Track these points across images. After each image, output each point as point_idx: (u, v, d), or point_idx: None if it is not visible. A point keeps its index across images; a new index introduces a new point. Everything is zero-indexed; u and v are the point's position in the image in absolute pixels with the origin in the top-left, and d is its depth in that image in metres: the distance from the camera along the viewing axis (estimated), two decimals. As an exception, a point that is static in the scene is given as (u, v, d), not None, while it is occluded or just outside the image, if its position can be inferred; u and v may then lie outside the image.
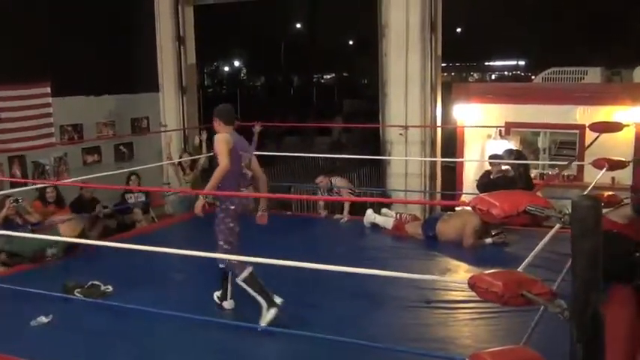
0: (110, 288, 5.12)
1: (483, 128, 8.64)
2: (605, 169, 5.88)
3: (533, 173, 8.14)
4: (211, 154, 8.32)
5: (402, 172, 8.94)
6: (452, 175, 9.20)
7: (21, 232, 6.64)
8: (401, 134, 8.84)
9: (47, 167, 8.66)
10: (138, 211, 8.17)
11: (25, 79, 8.09)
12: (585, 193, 3.62)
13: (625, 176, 7.74)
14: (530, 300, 2.65)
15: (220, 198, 4.71)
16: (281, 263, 3.61)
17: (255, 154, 8.56)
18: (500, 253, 6.16)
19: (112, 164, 9.30)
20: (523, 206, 2.72)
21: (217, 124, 4.82)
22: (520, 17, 20.05)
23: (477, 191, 6.90)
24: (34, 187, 7.70)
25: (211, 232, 6.51)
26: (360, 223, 7.26)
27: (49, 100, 8.42)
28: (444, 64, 11.05)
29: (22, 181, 7.91)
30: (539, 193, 5.28)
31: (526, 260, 3.35)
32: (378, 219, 7.15)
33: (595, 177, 5.85)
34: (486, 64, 32.57)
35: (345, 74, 31.97)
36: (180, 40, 10.42)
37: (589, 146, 6.90)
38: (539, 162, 8.50)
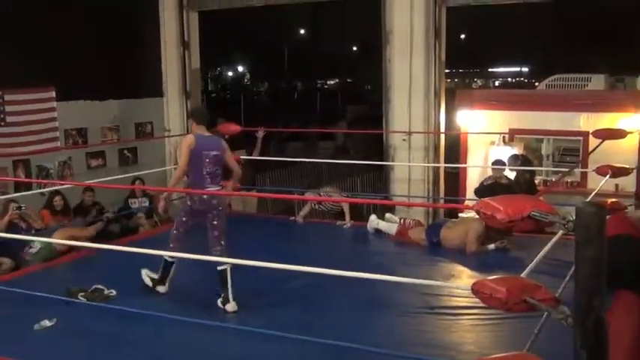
0: (114, 292, 5.13)
1: (487, 135, 8.65)
2: (608, 175, 5.89)
3: (537, 179, 8.15)
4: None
5: (405, 177, 8.94)
6: (455, 182, 9.21)
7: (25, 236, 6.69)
8: (404, 140, 8.85)
9: (51, 171, 8.69)
10: (141, 215, 8.19)
11: (30, 83, 8.13)
12: (589, 199, 3.63)
13: (629, 183, 7.75)
14: (533, 306, 2.65)
15: (184, 193, 5.22)
16: (285, 267, 3.62)
17: (257, 158, 8.73)
18: (503, 259, 6.15)
19: (116, 168, 9.32)
20: (527, 211, 2.73)
21: (191, 124, 5.30)
22: (524, 24, 20.08)
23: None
24: (38, 191, 7.72)
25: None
26: (363, 229, 7.26)
27: (54, 104, 8.46)
28: (447, 71, 11.08)
29: (27, 180, 7.95)
30: (542, 199, 5.28)
31: (529, 266, 3.36)
32: (382, 225, 7.15)
33: (599, 184, 5.87)
34: (490, 70, 32.60)
35: (348, 80, 32.01)
36: (184, 45, 10.46)
37: (591, 152, 6.91)
38: (543, 168, 8.51)
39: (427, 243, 6.63)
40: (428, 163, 8.83)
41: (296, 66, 28.02)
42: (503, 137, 8.58)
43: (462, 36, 24.13)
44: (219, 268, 4.82)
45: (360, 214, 8.86)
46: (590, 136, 6.96)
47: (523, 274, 3.14)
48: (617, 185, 7.81)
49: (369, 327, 4.48)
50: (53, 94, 8.39)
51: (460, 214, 7.56)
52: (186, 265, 5.54)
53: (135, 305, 4.59)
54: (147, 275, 5.23)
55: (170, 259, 5.08)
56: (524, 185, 7.44)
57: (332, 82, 33.06)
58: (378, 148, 9.95)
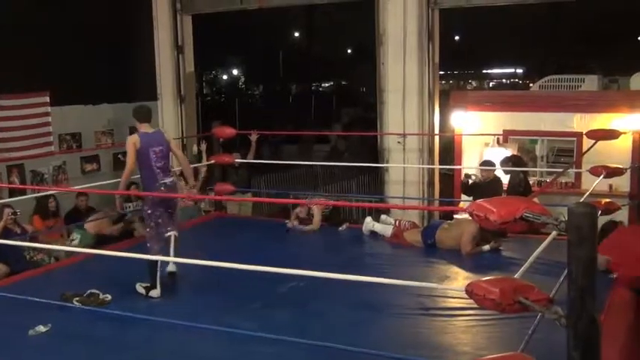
0: (109, 296, 5.12)
1: (481, 136, 8.67)
2: (602, 176, 5.92)
3: (531, 180, 8.18)
4: (212, 162, 8.43)
5: (400, 179, 8.96)
6: (450, 183, 9.22)
7: (19, 240, 6.68)
8: (399, 142, 8.87)
9: (46, 176, 8.66)
10: (135, 218, 8.17)
11: (24, 88, 8.12)
12: (582, 199, 3.65)
13: (622, 183, 7.78)
14: (526, 307, 2.67)
15: (143, 189, 5.61)
16: (280, 271, 3.63)
17: (252, 162, 8.76)
18: (498, 260, 6.17)
19: (110, 173, 9.30)
20: (520, 213, 2.75)
21: (136, 122, 5.50)
22: (518, 25, 20.14)
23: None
24: (33, 195, 7.71)
25: (209, 241, 6.55)
26: (359, 231, 7.27)
27: (48, 109, 8.45)
28: (442, 72, 11.10)
29: (21, 187, 7.93)
30: (536, 200, 5.31)
31: (523, 267, 3.37)
32: (377, 227, 7.15)
33: (593, 184, 5.89)
34: (484, 71, 32.66)
35: (343, 82, 32.01)
36: (178, 48, 10.46)
37: (585, 153, 6.93)
38: (537, 169, 8.53)
39: (422, 244, 6.64)
40: (422, 164, 8.85)
41: (291, 69, 27.99)
42: (498, 138, 8.60)
43: (457, 38, 24.18)
44: (167, 233, 5.31)
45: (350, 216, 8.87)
46: (584, 136, 6.99)
47: (517, 275, 3.16)
48: (610, 185, 7.83)
49: (364, 329, 4.48)
50: (47, 98, 8.38)
51: (455, 216, 7.57)
52: (180, 269, 5.54)
53: (130, 310, 4.59)
54: (140, 286, 5.28)
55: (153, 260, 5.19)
56: (519, 186, 7.46)
57: (327, 85, 33.03)
58: (372, 150, 9.97)
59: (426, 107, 8.84)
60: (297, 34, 28.35)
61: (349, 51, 29.70)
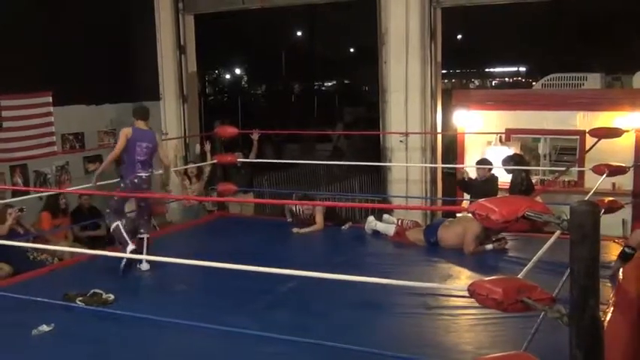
0: (112, 296, 5.12)
1: (484, 135, 8.66)
2: (605, 174, 5.90)
3: (534, 179, 8.16)
4: (215, 161, 8.45)
5: (402, 178, 8.96)
6: (452, 182, 9.21)
7: (23, 241, 6.70)
8: (401, 141, 8.87)
9: (49, 176, 8.67)
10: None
11: (27, 88, 8.13)
12: (586, 198, 3.64)
13: (625, 182, 7.76)
14: (529, 306, 2.66)
15: (120, 178, 6.14)
16: (283, 272, 3.63)
17: (254, 161, 8.77)
18: (501, 260, 6.16)
19: (113, 173, 9.29)
20: (522, 212, 2.74)
21: (133, 119, 6.03)
22: (520, 24, 20.09)
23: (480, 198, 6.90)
24: (36, 195, 7.72)
25: (212, 240, 6.56)
26: (361, 231, 7.26)
27: (51, 109, 8.46)
28: (444, 71, 11.10)
29: (25, 189, 7.93)
30: (539, 199, 5.30)
31: (527, 266, 3.37)
32: (379, 226, 7.15)
33: (596, 182, 5.87)
34: (487, 70, 32.59)
35: (345, 81, 31.99)
36: (180, 48, 10.46)
37: (588, 151, 6.92)
38: (539, 168, 8.52)
39: (425, 243, 6.63)
40: (425, 163, 8.84)
41: (293, 68, 27.97)
42: (500, 137, 8.59)
43: (459, 36, 24.14)
44: (140, 236, 5.89)
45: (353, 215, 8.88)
46: (587, 135, 6.97)
47: (520, 275, 3.15)
48: (614, 184, 7.81)
49: (366, 328, 4.48)
50: (50, 98, 8.39)
51: (457, 214, 7.56)
52: (184, 270, 5.56)
53: (133, 309, 4.59)
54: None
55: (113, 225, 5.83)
56: (521, 185, 7.45)
57: (329, 84, 33.03)
58: (375, 149, 9.96)
59: (428, 106, 8.83)
60: (299, 34, 28.31)
61: (352, 50, 29.66)
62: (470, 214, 3.05)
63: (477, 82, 32.35)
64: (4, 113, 7.97)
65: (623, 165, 6.16)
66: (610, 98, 8.35)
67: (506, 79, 31.86)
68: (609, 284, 4.94)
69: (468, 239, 6.28)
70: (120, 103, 9.62)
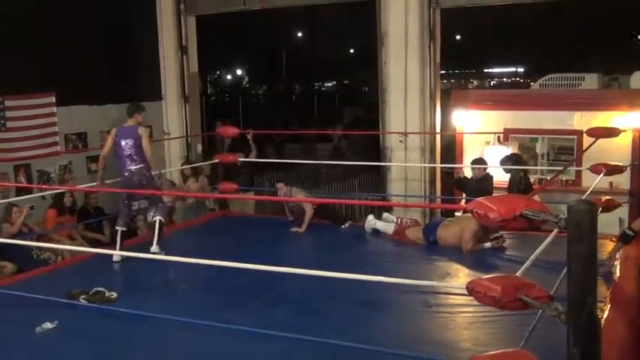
0: (114, 294, 5.12)
1: (482, 135, 8.65)
2: (602, 174, 5.90)
3: (532, 178, 8.16)
4: (216, 161, 8.46)
5: (402, 177, 8.96)
6: (451, 181, 9.20)
7: (27, 239, 6.70)
8: (401, 141, 8.87)
9: (52, 175, 8.68)
10: (140, 217, 8.19)
11: (31, 89, 8.13)
12: (584, 197, 3.64)
13: (623, 180, 7.75)
14: (527, 304, 2.66)
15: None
16: (284, 270, 3.63)
17: (254, 160, 8.83)
18: (499, 258, 6.15)
19: (116, 172, 9.30)
20: (520, 210, 2.74)
21: None
22: (518, 24, 20.09)
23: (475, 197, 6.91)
24: (39, 194, 7.73)
25: (213, 239, 6.57)
26: (361, 229, 7.26)
27: (54, 109, 8.46)
28: (443, 72, 11.09)
29: (29, 186, 7.95)
30: (537, 198, 5.30)
31: (525, 264, 3.36)
32: (379, 224, 7.14)
33: (593, 182, 5.87)
34: (485, 70, 32.57)
35: (345, 82, 32.00)
36: (182, 49, 10.47)
37: (585, 150, 6.91)
38: (537, 167, 8.52)
39: (424, 242, 6.63)
40: (424, 163, 8.84)
41: (294, 69, 27.98)
42: (498, 137, 8.58)
43: (458, 37, 24.12)
44: (154, 218, 6.30)
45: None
46: (584, 134, 6.96)
47: (519, 273, 3.15)
48: (611, 183, 7.80)
49: (366, 325, 4.48)
50: (53, 99, 8.39)
51: (456, 213, 7.56)
52: (186, 268, 5.55)
53: (135, 307, 4.59)
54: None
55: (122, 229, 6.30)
56: (520, 184, 7.45)
57: (329, 85, 33.03)
58: (375, 148, 9.96)
59: (427, 106, 8.83)
60: (300, 35, 28.32)
61: (351, 51, 29.66)
62: (468, 214, 3.05)
63: (475, 83, 32.34)
64: (8, 113, 7.97)
65: (620, 164, 6.16)
66: (607, 98, 8.34)
67: (505, 79, 31.85)
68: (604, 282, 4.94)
69: (466, 237, 6.28)
70: (122, 103, 9.58)
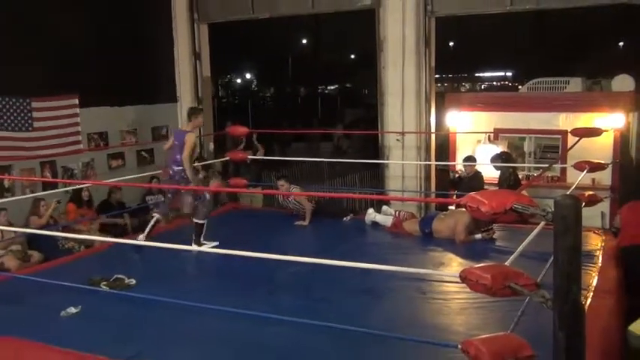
0: (133, 281, 5.14)
1: (474, 134, 8.64)
2: (585, 171, 5.88)
3: (520, 175, 8.14)
4: (227, 158, 8.45)
5: (399, 174, 8.95)
6: (445, 177, 9.20)
7: (53, 230, 6.72)
8: (398, 140, 8.85)
9: (75, 171, 8.71)
10: (157, 210, 8.18)
11: (56, 92, 8.14)
12: (568, 192, 3.62)
13: (604, 177, 7.74)
14: (516, 291, 2.65)
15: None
16: (289, 259, 3.63)
17: (262, 158, 8.82)
18: (489, 248, 6.15)
19: (134, 168, 9.33)
20: (510, 204, 2.73)
21: None
22: (508, 32, 20.04)
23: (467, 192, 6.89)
24: (64, 189, 7.76)
25: (225, 230, 6.54)
26: (361, 222, 7.26)
27: (77, 110, 8.45)
28: (437, 76, 11.05)
29: (54, 181, 7.98)
30: (525, 193, 5.27)
31: (514, 254, 3.35)
32: (379, 217, 7.14)
33: (577, 178, 5.85)
34: (477, 75, 32.50)
35: (347, 85, 31.96)
36: (196, 55, 10.46)
37: (569, 149, 6.89)
38: (525, 165, 8.50)
39: (420, 234, 6.62)
40: (420, 161, 8.83)
41: (299, 73, 27.96)
42: (489, 136, 8.57)
43: (451, 43, 24.06)
44: (199, 222, 6.17)
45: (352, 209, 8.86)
46: (569, 134, 6.93)
47: (508, 262, 3.14)
48: (593, 179, 7.78)
49: (365, 310, 4.48)
50: (76, 101, 8.39)
51: (450, 207, 7.55)
52: (198, 257, 5.56)
53: (153, 293, 4.59)
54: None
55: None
56: (509, 180, 7.43)
57: (332, 88, 32.97)
58: (374, 147, 9.95)
59: (423, 108, 8.81)
60: (305, 41, 28.27)
61: (352, 56, 29.64)
62: (461, 208, 3.04)
63: (467, 86, 32.24)
64: (35, 114, 7.98)
65: (602, 162, 6.13)
66: (590, 101, 8.31)
67: (494, 83, 31.77)
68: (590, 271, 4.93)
69: (459, 229, 6.28)
70: (140, 105, 9.64)
